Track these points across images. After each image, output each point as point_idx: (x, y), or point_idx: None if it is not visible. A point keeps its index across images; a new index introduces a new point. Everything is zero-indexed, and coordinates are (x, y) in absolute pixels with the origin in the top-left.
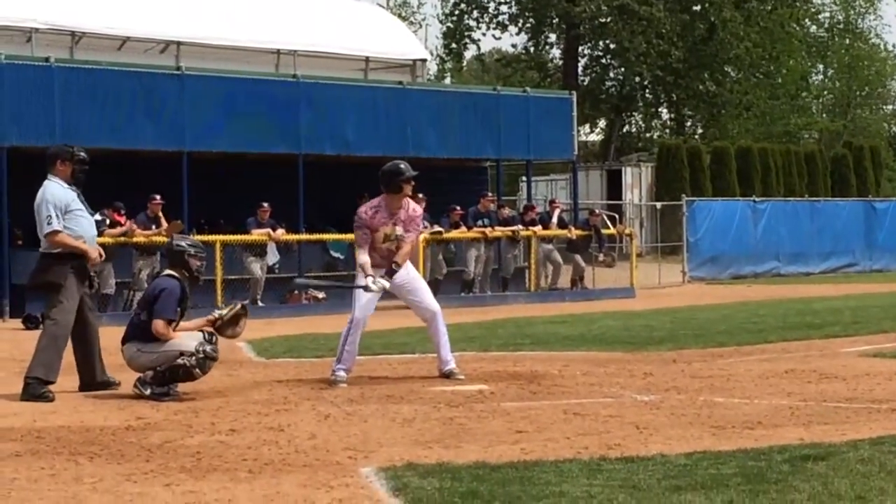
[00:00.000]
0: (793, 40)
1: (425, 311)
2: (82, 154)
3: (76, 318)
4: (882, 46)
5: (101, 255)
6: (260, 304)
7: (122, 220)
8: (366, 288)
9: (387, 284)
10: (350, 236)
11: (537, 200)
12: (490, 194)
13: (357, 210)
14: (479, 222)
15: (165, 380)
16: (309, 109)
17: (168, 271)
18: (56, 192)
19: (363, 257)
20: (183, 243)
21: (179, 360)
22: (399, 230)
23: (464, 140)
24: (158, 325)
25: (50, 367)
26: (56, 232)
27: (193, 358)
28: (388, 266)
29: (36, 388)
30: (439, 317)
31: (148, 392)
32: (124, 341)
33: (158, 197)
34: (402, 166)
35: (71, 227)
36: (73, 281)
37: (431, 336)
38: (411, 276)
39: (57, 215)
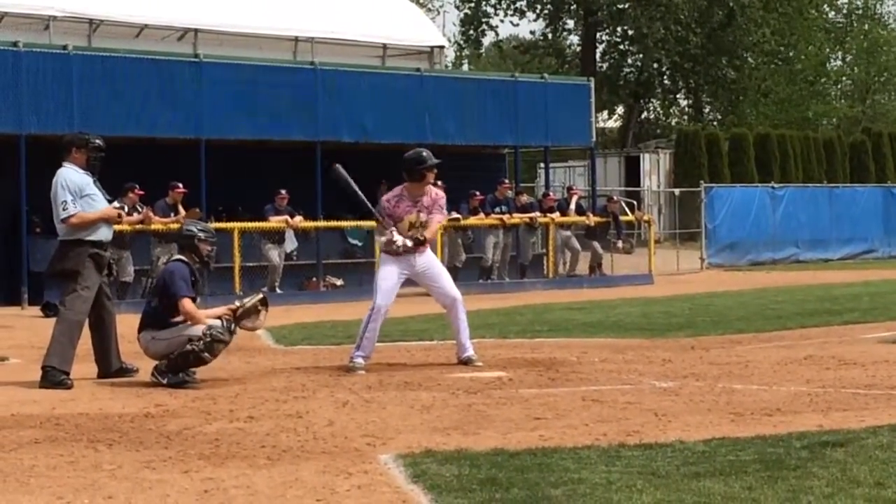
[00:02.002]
0: (811, 26)
1: (446, 297)
2: (98, 141)
3: (93, 306)
4: None
5: (120, 216)
6: (278, 291)
7: (137, 198)
8: (390, 242)
9: (409, 243)
10: (368, 223)
11: (555, 187)
12: (507, 181)
13: (380, 200)
14: (497, 209)
15: (178, 367)
16: (327, 96)
17: (177, 256)
18: (70, 177)
19: (386, 235)
20: (193, 228)
21: (188, 346)
22: (423, 216)
23: (482, 127)
24: (184, 305)
25: (64, 357)
26: (72, 215)
27: (201, 342)
28: (413, 251)
29: (55, 376)
30: (460, 304)
31: (165, 381)
32: (140, 330)
33: (181, 185)
34: (425, 154)
35: (86, 211)
36: (92, 269)
37: (451, 322)
38: (432, 262)
39: (72, 200)
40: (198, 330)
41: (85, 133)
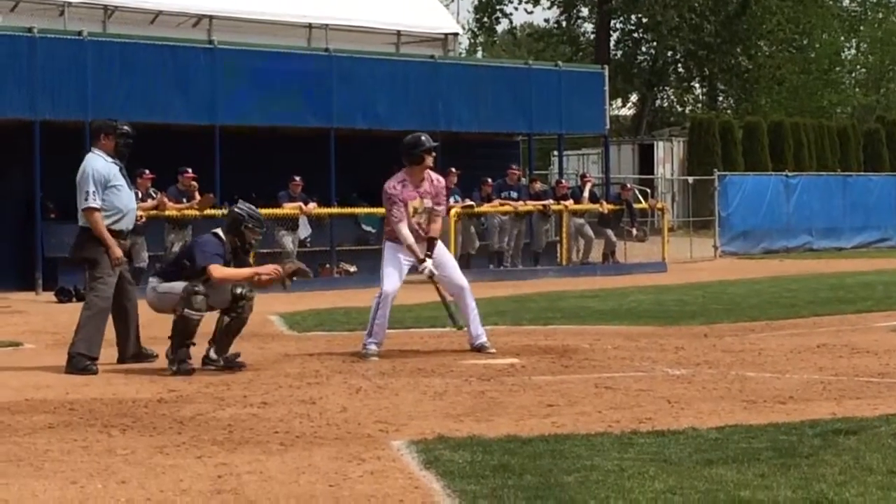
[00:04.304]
0: (826, 14)
1: (453, 286)
2: (126, 128)
3: (115, 292)
4: None
5: (122, 258)
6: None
7: (149, 183)
8: (424, 270)
9: (433, 270)
10: (381, 210)
11: (569, 175)
12: (514, 166)
13: (384, 187)
14: (504, 194)
15: (178, 343)
16: (341, 83)
17: (215, 231)
18: (98, 166)
19: (410, 237)
20: (243, 212)
21: (174, 316)
22: (427, 202)
23: (495, 114)
24: (213, 272)
25: (91, 342)
26: (92, 209)
27: (182, 303)
28: (417, 238)
29: (80, 362)
30: (467, 292)
31: (174, 368)
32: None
33: (190, 170)
34: (423, 137)
35: (110, 201)
36: (108, 257)
37: (461, 310)
38: (439, 250)
39: (96, 190)
40: (177, 295)
41: (114, 119)
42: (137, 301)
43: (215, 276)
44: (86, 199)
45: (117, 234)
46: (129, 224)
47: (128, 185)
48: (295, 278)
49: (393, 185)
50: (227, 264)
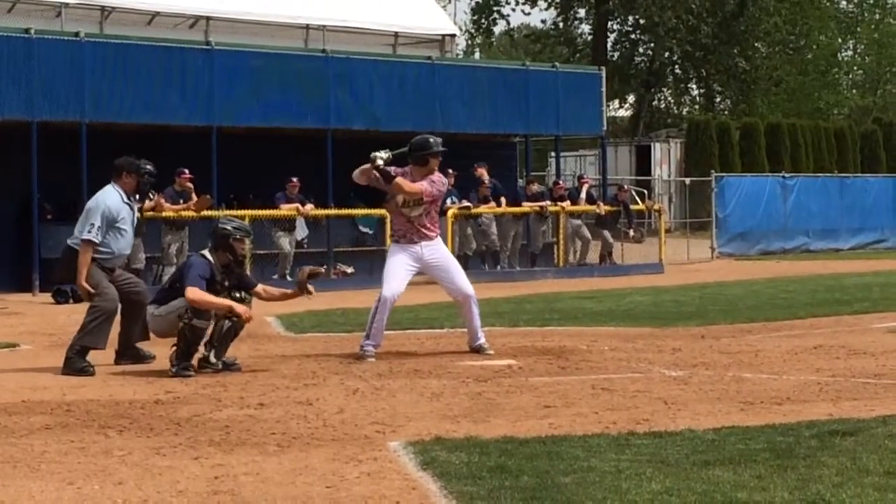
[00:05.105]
0: (823, 16)
1: (458, 293)
2: (149, 167)
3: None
4: None
5: (92, 293)
6: (289, 279)
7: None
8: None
9: (380, 162)
10: (378, 211)
11: (566, 176)
12: (476, 164)
13: None
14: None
15: (183, 350)
16: (338, 85)
17: (203, 252)
18: (111, 203)
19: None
20: (228, 227)
21: (180, 325)
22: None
23: (493, 115)
24: (188, 294)
25: (96, 336)
26: (90, 243)
27: (188, 312)
28: (409, 231)
29: (76, 363)
30: (473, 300)
31: (174, 370)
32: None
33: (187, 171)
34: (431, 140)
35: (108, 242)
36: (95, 269)
37: (463, 315)
38: (443, 255)
39: (100, 227)
40: (182, 305)
41: (137, 159)
42: (145, 294)
43: (189, 298)
44: (88, 231)
45: (102, 268)
46: (115, 265)
47: (132, 229)
48: (311, 283)
49: (393, 169)
50: (212, 282)
